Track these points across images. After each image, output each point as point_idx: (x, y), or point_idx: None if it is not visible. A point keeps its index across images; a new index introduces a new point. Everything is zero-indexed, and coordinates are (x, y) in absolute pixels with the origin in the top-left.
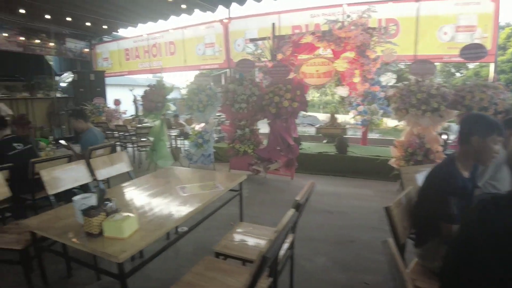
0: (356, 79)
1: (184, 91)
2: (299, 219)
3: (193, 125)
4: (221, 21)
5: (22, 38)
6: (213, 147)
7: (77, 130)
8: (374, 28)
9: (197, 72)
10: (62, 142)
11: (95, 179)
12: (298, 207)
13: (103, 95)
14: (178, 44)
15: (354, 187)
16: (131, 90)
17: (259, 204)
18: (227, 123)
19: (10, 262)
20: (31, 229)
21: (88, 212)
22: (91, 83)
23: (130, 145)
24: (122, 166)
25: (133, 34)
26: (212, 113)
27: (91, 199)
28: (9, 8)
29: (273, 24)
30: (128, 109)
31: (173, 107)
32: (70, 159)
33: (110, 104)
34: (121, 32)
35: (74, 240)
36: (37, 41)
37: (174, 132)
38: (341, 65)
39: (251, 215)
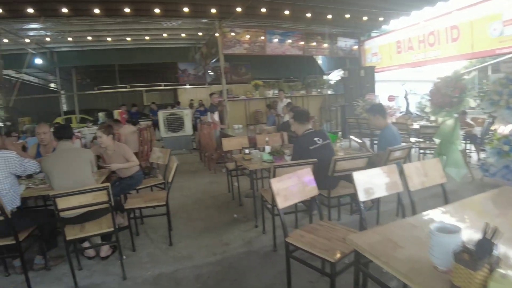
0: None
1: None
2: None
3: (495, 126)
4: None
5: (302, 43)
6: None
7: (373, 127)
8: None
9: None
10: (353, 138)
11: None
12: None
13: (372, 91)
14: (463, 27)
15: None
16: (402, 85)
17: None
18: None
19: (313, 268)
20: (358, 248)
21: (466, 260)
22: (360, 80)
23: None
24: (435, 177)
25: (404, 24)
26: None
27: (457, 236)
28: (297, 16)
29: None
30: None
31: (473, 103)
32: (370, 159)
33: (382, 100)
34: (392, 24)
35: None
36: (314, 43)
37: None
38: None
39: None
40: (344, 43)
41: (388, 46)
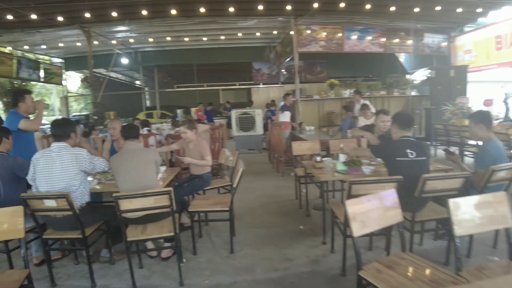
0: None
1: None
2: None
3: None
4: None
5: (383, 39)
6: None
7: (473, 138)
8: None
9: None
10: (448, 150)
11: None
12: None
13: (464, 93)
14: None
15: None
16: (501, 87)
17: None
18: None
19: None
20: None
21: None
22: (449, 80)
23: None
24: None
25: (508, 15)
26: None
27: None
28: (379, 11)
29: None
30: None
31: None
32: (467, 180)
33: (476, 104)
34: (491, 16)
35: None
36: (396, 40)
37: None
38: None
39: None
40: (431, 39)
41: (485, 42)
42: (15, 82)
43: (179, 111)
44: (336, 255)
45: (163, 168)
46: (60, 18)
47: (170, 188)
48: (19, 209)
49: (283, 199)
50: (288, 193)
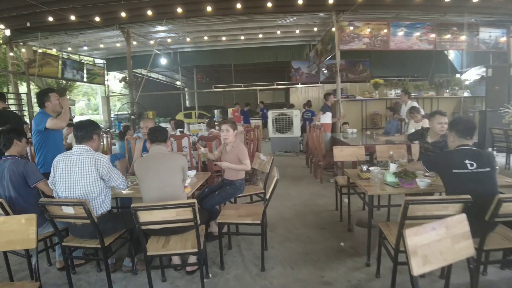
0: None
1: None
2: None
3: None
4: None
5: (433, 35)
6: None
7: None
8: None
9: None
10: None
11: None
12: None
13: None
14: None
15: None
16: None
17: None
18: None
19: None
20: None
21: None
22: (509, 80)
23: None
24: None
25: None
26: None
27: None
28: (430, 4)
29: None
30: None
31: None
32: None
33: None
34: None
35: None
36: (447, 36)
37: None
38: None
39: None
40: (488, 34)
41: None
42: (60, 82)
43: (216, 112)
44: (382, 281)
45: (192, 173)
46: (97, 19)
47: (194, 200)
48: (32, 217)
49: (321, 209)
50: (326, 203)
